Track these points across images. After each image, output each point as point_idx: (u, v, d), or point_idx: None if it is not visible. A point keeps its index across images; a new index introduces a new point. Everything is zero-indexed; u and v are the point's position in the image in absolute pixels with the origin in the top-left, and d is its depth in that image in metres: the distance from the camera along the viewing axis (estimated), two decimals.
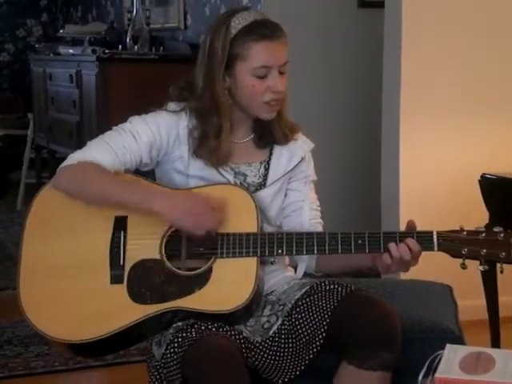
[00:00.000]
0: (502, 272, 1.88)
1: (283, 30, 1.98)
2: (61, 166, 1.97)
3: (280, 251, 1.91)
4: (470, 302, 3.08)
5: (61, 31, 5.81)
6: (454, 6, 3.47)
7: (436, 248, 1.89)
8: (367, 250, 1.90)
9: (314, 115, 4.24)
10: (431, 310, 2.21)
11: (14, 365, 3.09)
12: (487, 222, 2.93)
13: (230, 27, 1.94)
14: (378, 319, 1.87)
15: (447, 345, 1.71)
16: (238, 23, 1.94)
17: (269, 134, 2.05)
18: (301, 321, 1.93)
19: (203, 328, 1.85)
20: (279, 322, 1.96)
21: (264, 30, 1.94)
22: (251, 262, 1.90)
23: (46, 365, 3.08)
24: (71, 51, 5.17)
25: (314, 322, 1.91)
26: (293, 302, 1.97)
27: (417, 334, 2.05)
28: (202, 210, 1.88)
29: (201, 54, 2.00)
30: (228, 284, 1.89)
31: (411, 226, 1.92)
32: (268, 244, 1.90)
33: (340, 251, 1.90)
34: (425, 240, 1.88)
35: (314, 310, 1.92)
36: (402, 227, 1.94)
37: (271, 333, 1.95)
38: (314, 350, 1.91)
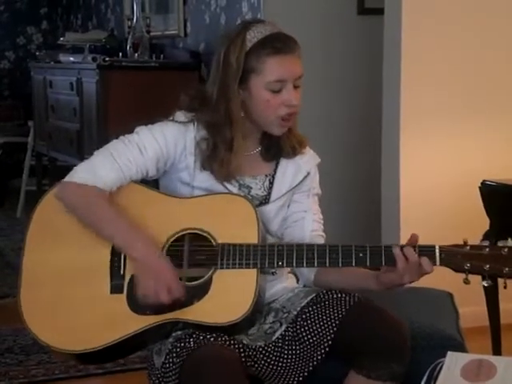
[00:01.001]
0: (505, 287, 1.84)
1: (297, 42, 1.96)
2: (65, 180, 1.95)
3: (280, 263, 1.90)
4: (471, 309, 3.07)
5: (61, 39, 5.81)
6: (454, 13, 3.47)
7: (438, 263, 1.86)
8: (368, 263, 1.88)
9: (313, 122, 4.23)
10: (432, 318, 2.21)
11: (14, 373, 3.08)
12: (488, 228, 2.93)
13: (245, 40, 1.92)
14: (389, 330, 1.86)
15: (448, 352, 1.71)
16: (253, 36, 1.93)
17: (276, 147, 2.04)
18: (306, 328, 1.92)
19: (201, 338, 1.84)
20: (283, 328, 1.96)
21: (278, 43, 1.92)
22: (251, 274, 1.89)
23: (47, 373, 3.07)
24: (71, 59, 5.18)
25: (319, 330, 1.91)
26: (298, 309, 1.96)
27: (418, 342, 2.05)
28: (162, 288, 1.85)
29: (215, 66, 1.98)
30: (228, 296, 1.88)
31: (412, 239, 1.89)
32: (268, 256, 1.89)
33: (341, 264, 1.88)
34: (427, 254, 1.86)
35: (321, 318, 1.91)
36: (403, 235, 1.93)
37: (274, 338, 1.95)
38: (318, 357, 1.90)
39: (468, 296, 2.85)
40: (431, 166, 3.51)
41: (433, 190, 3.51)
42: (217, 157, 1.95)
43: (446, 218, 3.39)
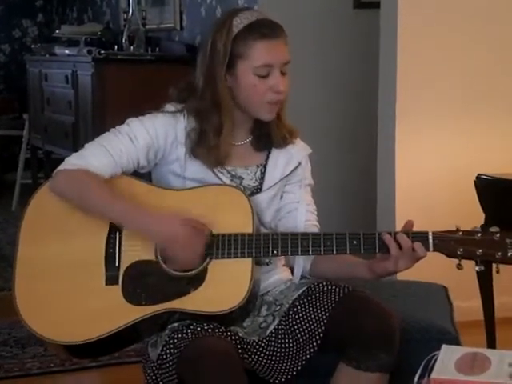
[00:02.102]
0: (497, 272, 1.87)
1: (284, 29, 1.98)
2: (57, 169, 1.96)
3: (275, 252, 1.91)
4: (466, 303, 3.08)
5: (56, 32, 5.80)
6: (450, 7, 3.47)
7: (431, 248, 1.88)
8: (362, 251, 1.89)
9: (310, 116, 4.24)
10: (427, 311, 2.21)
11: (9, 366, 3.09)
12: (483, 222, 2.93)
13: (231, 26, 1.94)
14: (378, 320, 1.86)
15: (443, 345, 1.71)
16: (239, 22, 1.94)
17: (267, 137, 2.04)
18: (298, 321, 1.93)
19: (199, 329, 1.84)
20: (276, 321, 1.96)
21: (265, 29, 1.94)
22: (246, 263, 1.90)
23: (42, 366, 3.08)
24: (67, 52, 5.17)
25: (311, 323, 1.91)
26: (290, 302, 1.97)
27: (413, 335, 2.05)
28: (186, 240, 1.86)
29: (202, 53, 2.00)
30: (223, 285, 1.89)
31: (408, 226, 1.91)
32: (263, 245, 1.90)
33: (335, 252, 1.90)
34: (420, 240, 1.87)
35: (312, 311, 1.92)
36: (398, 229, 1.94)
37: (268, 332, 1.96)
38: (311, 350, 1.91)
39: (462, 290, 2.87)
40: (427, 160, 3.51)
41: (428, 185, 3.51)
42: (205, 143, 1.96)
43: (441, 212, 3.39)
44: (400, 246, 1.87)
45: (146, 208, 1.91)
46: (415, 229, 1.91)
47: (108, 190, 1.91)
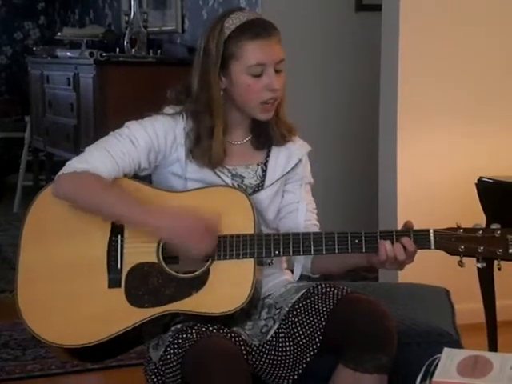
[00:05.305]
0: (499, 269, 1.87)
1: (276, 27, 1.98)
2: (59, 173, 1.95)
3: (277, 252, 1.91)
4: (467, 306, 3.08)
5: (58, 34, 5.81)
6: (452, 9, 3.48)
7: (433, 246, 1.88)
8: (364, 250, 1.90)
9: (312, 118, 4.24)
10: (428, 314, 2.21)
11: (11, 368, 3.08)
12: (484, 225, 2.93)
13: (223, 28, 1.95)
14: (374, 321, 1.86)
15: (445, 348, 1.71)
16: (231, 23, 1.95)
17: (266, 135, 2.05)
18: (297, 324, 1.93)
19: (204, 329, 1.84)
20: (276, 325, 1.96)
21: (257, 28, 1.94)
22: (248, 264, 1.90)
23: (43, 368, 3.08)
24: (69, 54, 5.18)
25: (310, 325, 1.91)
26: (289, 305, 1.96)
27: (414, 338, 2.05)
28: (199, 233, 1.86)
29: (196, 55, 2.02)
30: (225, 286, 1.89)
31: (408, 226, 1.92)
32: (265, 245, 1.90)
33: (337, 251, 1.90)
34: (421, 238, 1.88)
35: (311, 314, 1.92)
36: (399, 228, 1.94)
37: (269, 337, 1.95)
38: (311, 352, 1.91)
39: (464, 292, 2.87)
40: (428, 162, 3.51)
41: (430, 187, 3.51)
42: (200, 145, 1.97)
43: (443, 214, 3.39)
44: (395, 256, 1.88)
45: (155, 206, 1.91)
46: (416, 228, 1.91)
47: (113, 189, 1.91)
